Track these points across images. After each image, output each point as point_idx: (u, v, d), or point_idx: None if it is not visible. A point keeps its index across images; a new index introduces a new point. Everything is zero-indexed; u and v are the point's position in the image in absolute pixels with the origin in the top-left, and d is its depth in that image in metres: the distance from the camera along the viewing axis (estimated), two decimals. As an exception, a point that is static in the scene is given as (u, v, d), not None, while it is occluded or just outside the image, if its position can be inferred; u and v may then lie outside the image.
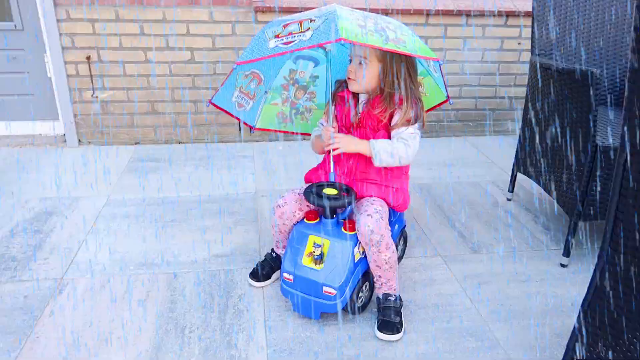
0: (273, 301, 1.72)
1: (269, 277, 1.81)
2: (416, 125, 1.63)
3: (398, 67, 1.58)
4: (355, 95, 1.68)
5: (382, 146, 1.59)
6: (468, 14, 3.17)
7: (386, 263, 1.56)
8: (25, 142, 3.10)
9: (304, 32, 1.39)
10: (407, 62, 1.60)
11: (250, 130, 1.93)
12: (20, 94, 3.05)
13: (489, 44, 3.29)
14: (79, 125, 3.08)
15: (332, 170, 1.64)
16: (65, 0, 2.78)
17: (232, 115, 1.81)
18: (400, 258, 1.97)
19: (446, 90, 1.87)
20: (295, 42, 1.37)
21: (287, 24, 1.44)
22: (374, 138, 1.64)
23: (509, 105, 3.48)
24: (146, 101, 3.09)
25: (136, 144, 3.17)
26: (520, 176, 2.46)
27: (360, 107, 1.66)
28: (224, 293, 1.76)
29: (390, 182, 1.68)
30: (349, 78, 1.63)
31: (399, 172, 1.71)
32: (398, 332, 1.56)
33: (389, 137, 1.64)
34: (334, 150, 1.60)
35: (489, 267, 1.97)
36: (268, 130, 1.96)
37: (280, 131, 1.98)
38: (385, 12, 3.06)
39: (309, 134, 1.92)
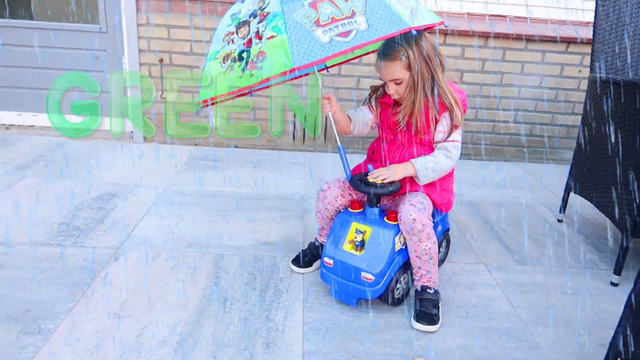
0: (313, 287, 1.77)
1: (310, 265, 1.86)
2: (460, 130, 1.65)
3: (424, 70, 1.57)
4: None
5: (425, 166, 1.60)
6: (528, 39, 3.18)
7: (426, 254, 1.58)
8: (98, 136, 3.35)
9: (351, 18, 1.35)
10: (433, 65, 1.58)
11: (210, 104, 1.66)
12: (100, 91, 3.31)
13: (548, 70, 3.27)
14: (145, 124, 3.30)
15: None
16: (146, 7, 3.04)
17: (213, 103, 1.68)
18: (442, 261, 1.97)
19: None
20: (353, 33, 1.36)
21: (314, 2, 1.34)
22: (417, 141, 1.67)
23: (566, 134, 3.42)
24: (208, 104, 3.26)
25: (195, 144, 3.35)
26: (573, 201, 2.40)
27: (403, 114, 1.65)
28: (266, 275, 1.82)
29: (436, 181, 1.70)
30: (391, 95, 1.65)
31: (445, 173, 1.73)
32: (435, 323, 1.55)
33: (432, 140, 1.66)
34: (385, 180, 1.59)
35: (533, 278, 1.92)
36: (222, 96, 1.61)
37: (226, 96, 1.60)
38: (445, 33, 3.13)
39: (262, 83, 1.49)
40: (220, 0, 3.01)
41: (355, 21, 1.36)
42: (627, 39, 2.09)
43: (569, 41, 3.21)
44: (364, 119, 1.78)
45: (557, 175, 3.17)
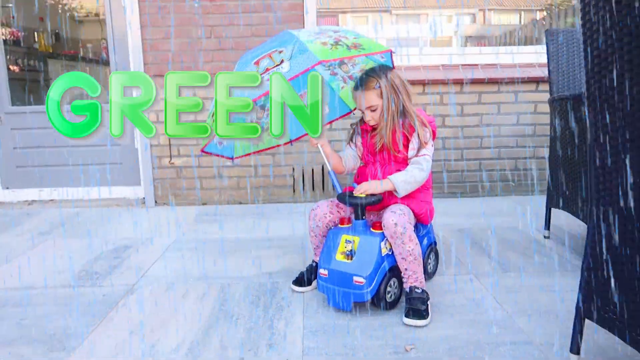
0: (312, 301, 1.91)
1: (309, 284, 2.01)
2: (429, 146, 1.88)
3: (393, 97, 1.83)
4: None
5: (401, 179, 1.83)
6: (500, 82, 3.50)
7: (410, 254, 1.74)
8: (112, 203, 3.61)
9: (279, 64, 1.70)
10: (401, 93, 1.84)
11: (232, 161, 2.12)
12: (114, 162, 3.63)
13: (523, 108, 3.55)
14: (156, 189, 3.57)
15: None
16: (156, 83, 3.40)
17: (219, 156, 2.08)
18: (432, 274, 2.11)
19: None
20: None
21: (257, 60, 1.71)
22: (394, 159, 1.90)
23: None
24: (212, 166, 3.55)
25: (203, 204, 3.59)
26: (558, 220, 2.56)
27: (379, 136, 1.89)
28: (269, 295, 1.97)
29: (414, 193, 1.90)
30: (367, 122, 1.91)
31: (421, 186, 1.93)
32: (424, 318, 1.68)
33: (407, 155, 1.89)
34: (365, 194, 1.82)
35: (519, 281, 2.05)
36: (247, 155, 2.13)
37: (257, 152, 2.18)
38: (423, 83, 3.46)
39: (280, 145, 2.14)
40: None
41: (282, 67, 1.69)
42: (566, 66, 2.39)
43: (538, 81, 3.51)
44: (353, 155, 2.04)
45: (544, 203, 3.32)
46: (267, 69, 1.67)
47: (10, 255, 2.54)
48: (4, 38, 3.60)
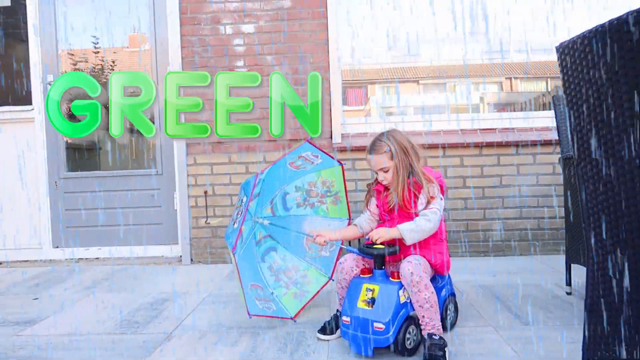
0: (336, 347, 2.03)
1: (333, 332, 2.13)
2: (437, 200, 2.05)
3: (403, 158, 2.05)
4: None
5: (407, 228, 2.00)
6: (517, 145, 3.67)
7: (427, 302, 1.87)
8: (152, 261, 3.84)
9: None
10: (410, 151, 2.07)
11: (294, 321, 2.33)
12: (154, 223, 3.90)
13: (541, 169, 3.69)
14: (192, 247, 3.80)
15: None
16: (194, 150, 3.74)
17: (275, 317, 2.32)
18: (452, 325, 2.20)
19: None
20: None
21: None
22: (408, 213, 2.07)
23: (573, 225, 3.68)
24: (246, 226, 3.77)
25: (236, 262, 3.77)
26: (582, 277, 2.63)
27: (393, 195, 2.10)
28: (296, 342, 2.10)
29: (429, 244, 2.05)
30: (381, 182, 2.13)
31: (435, 238, 2.08)
32: (441, 364, 1.77)
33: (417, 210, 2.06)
34: (376, 241, 2.01)
35: (538, 334, 2.12)
36: (305, 306, 2.46)
37: (311, 299, 2.50)
38: (443, 147, 3.66)
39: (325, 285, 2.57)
40: (251, 138, 3.69)
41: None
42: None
43: (555, 143, 3.66)
44: (367, 219, 2.24)
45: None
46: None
47: (59, 306, 2.75)
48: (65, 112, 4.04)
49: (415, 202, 2.04)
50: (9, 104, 3.98)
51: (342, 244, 2.36)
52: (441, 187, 2.07)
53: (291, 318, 2.32)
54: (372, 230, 2.18)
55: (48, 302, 2.86)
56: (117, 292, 3.02)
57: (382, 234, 2.00)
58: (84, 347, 2.14)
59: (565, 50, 1.33)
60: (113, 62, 4.34)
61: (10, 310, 2.72)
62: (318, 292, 2.50)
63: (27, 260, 4.00)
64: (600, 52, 1.18)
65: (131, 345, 2.14)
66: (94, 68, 4.34)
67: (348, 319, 1.94)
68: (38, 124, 3.93)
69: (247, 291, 2.19)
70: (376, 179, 2.16)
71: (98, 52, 4.24)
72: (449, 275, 2.21)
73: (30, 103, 3.93)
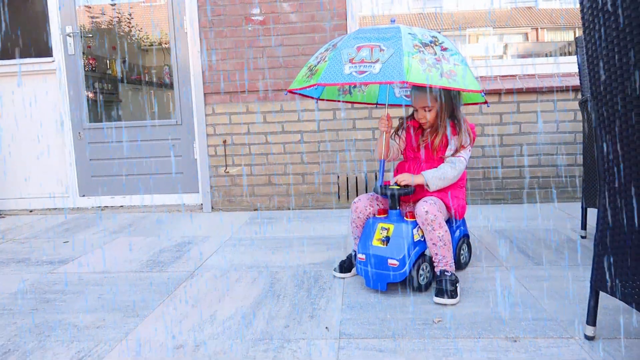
0: (351, 284, 2.11)
1: (349, 270, 2.20)
2: (467, 149, 2.06)
3: (448, 103, 2.05)
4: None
5: (432, 174, 2.02)
6: (538, 91, 3.60)
7: (440, 240, 1.91)
8: (173, 209, 3.96)
9: (373, 63, 1.81)
10: (456, 97, 2.07)
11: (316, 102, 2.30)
12: (175, 172, 3.99)
13: (562, 117, 3.63)
14: (213, 195, 3.89)
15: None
16: (211, 100, 3.77)
17: (305, 95, 2.21)
18: (464, 264, 2.25)
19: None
20: (366, 73, 1.76)
21: (360, 47, 1.81)
22: (435, 157, 2.09)
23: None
24: (265, 174, 3.84)
25: (255, 210, 3.87)
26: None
27: (424, 134, 2.13)
28: (312, 280, 2.19)
29: (448, 189, 2.08)
30: (419, 119, 2.12)
31: (455, 184, 2.10)
32: (452, 297, 1.84)
33: (445, 155, 2.07)
34: (402, 183, 2.04)
35: (549, 273, 2.16)
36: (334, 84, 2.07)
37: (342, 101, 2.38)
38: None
39: (366, 103, 2.46)
40: (271, 89, 3.70)
41: (374, 67, 1.75)
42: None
43: (577, 89, 3.58)
44: (397, 148, 2.23)
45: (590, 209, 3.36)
46: (362, 61, 1.73)
47: (88, 248, 2.89)
48: (84, 64, 4.08)
49: (445, 147, 2.06)
50: (30, 56, 4.04)
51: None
52: (473, 139, 2.09)
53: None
54: (394, 158, 2.23)
55: (78, 244, 3.00)
56: (143, 236, 3.14)
57: (407, 179, 2.03)
58: (113, 282, 2.27)
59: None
60: (130, 15, 4.35)
61: (43, 252, 2.87)
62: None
63: (56, 208, 4.17)
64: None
65: (157, 281, 2.26)
66: (110, 21, 4.36)
67: (363, 256, 2.00)
68: (59, 76, 3.99)
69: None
70: (411, 115, 2.18)
71: (114, 5, 4.26)
72: (464, 219, 2.24)
73: (51, 55, 3.99)
